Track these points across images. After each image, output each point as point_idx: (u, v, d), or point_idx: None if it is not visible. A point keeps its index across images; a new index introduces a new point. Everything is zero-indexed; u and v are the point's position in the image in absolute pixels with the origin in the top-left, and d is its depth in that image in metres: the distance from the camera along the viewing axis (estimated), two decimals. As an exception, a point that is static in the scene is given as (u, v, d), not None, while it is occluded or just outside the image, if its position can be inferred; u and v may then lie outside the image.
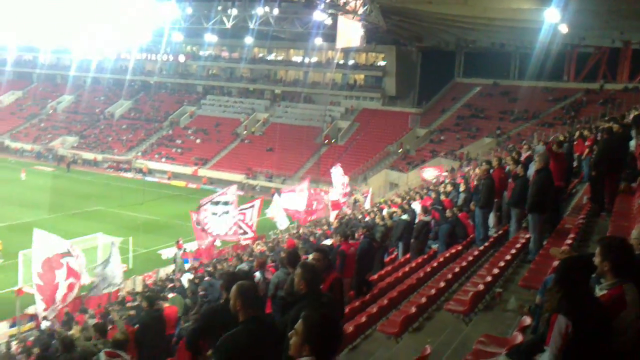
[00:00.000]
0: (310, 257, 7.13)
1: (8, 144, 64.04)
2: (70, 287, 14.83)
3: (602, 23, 39.44)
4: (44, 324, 16.56)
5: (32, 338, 16.04)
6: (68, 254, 14.84)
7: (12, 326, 18.54)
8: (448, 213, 13.07)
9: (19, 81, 75.49)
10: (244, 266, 11.96)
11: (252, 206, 24.93)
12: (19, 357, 14.36)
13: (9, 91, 73.29)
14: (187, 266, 23.58)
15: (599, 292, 4.10)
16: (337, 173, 31.39)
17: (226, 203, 22.15)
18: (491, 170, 11.60)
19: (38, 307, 15.32)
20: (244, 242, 24.78)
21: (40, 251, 14.60)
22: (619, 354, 3.85)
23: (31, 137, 64.67)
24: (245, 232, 23.86)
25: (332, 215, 29.45)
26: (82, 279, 15.48)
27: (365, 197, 33.95)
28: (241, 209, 23.90)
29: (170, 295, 14.51)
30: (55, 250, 14.69)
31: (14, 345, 16.01)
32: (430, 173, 36.29)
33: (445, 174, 34.21)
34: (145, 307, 9.94)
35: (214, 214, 21.95)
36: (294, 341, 3.14)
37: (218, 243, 26.71)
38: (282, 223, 28.75)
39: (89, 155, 59.44)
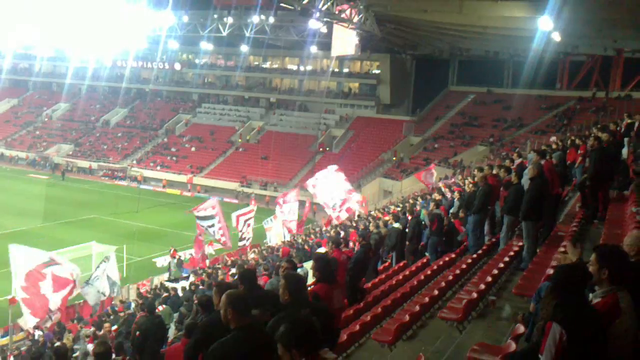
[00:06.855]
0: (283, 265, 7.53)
1: (3, 152, 63.80)
2: (64, 296, 14.83)
3: (595, 32, 39.67)
4: (37, 334, 16.45)
5: (24, 348, 15.92)
6: (51, 262, 14.90)
7: (3, 336, 18.33)
8: (445, 221, 13.06)
9: (15, 89, 75.28)
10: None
11: (249, 213, 25.29)
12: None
13: (4, 99, 73.18)
14: (185, 276, 23.48)
15: (594, 299, 4.10)
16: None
17: (211, 217, 22.66)
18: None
19: (28, 321, 15.36)
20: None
21: (20, 266, 14.77)
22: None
23: (26, 145, 64.49)
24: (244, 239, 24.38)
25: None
26: (77, 284, 15.50)
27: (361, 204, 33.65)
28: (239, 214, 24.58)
29: (161, 308, 14.42)
30: (36, 262, 14.79)
31: (9, 354, 15.89)
32: (431, 177, 35.94)
33: (441, 182, 34.06)
34: (146, 314, 9.94)
35: (208, 227, 22.59)
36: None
37: (212, 251, 26.74)
38: (275, 238, 28.64)
39: (84, 163, 59.32)
